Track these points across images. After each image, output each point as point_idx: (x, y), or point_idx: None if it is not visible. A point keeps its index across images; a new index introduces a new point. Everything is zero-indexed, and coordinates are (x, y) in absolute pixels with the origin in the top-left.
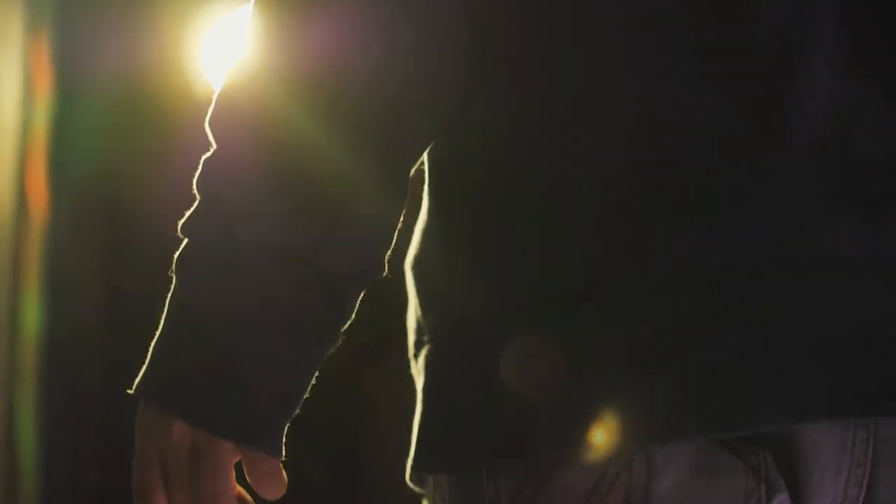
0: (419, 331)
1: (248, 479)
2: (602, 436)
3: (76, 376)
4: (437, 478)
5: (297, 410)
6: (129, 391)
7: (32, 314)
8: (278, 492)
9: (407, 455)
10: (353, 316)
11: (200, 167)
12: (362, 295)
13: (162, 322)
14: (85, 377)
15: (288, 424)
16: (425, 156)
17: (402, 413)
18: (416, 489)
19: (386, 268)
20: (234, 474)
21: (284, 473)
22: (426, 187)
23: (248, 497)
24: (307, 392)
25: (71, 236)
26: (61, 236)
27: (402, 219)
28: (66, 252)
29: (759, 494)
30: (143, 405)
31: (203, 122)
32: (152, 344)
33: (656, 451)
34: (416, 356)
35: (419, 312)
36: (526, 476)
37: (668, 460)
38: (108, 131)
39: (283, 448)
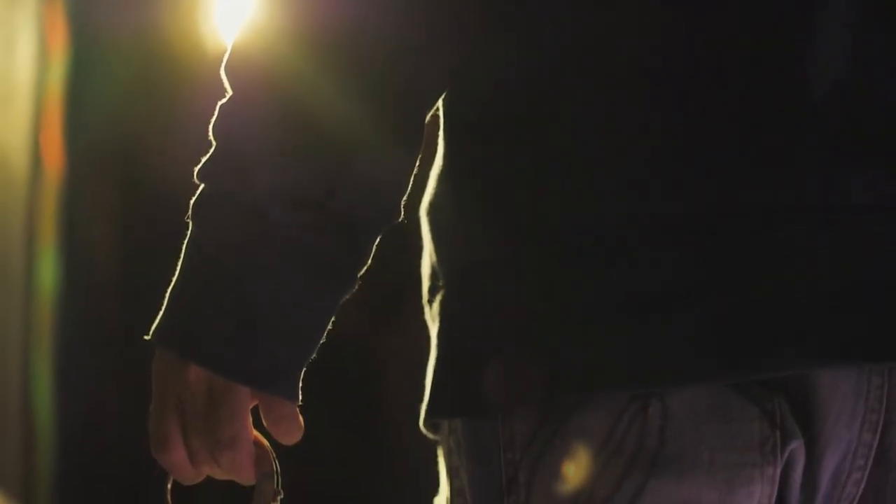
0: (434, 276)
1: (264, 424)
2: (617, 380)
3: (92, 332)
4: (451, 423)
5: (314, 355)
6: (146, 338)
7: (48, 270)
8: (295, 436)
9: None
10: (370, 261)
11: (216, 113)
12: (378, 240)
13: (178, 268)
14: (101, 333)
15: (304, 369)
16: (440, 101)
17: (419, 370)
18: (431, 436)
19: (402, 213)
20: (250, 419)
21: (301, 418)
22: (441, 132)
23: (265, 442)
24: (324, 337)
25: (86, 193)
26: (76, 193)
27: (417, 164)
28: (81, 208)
29: (774, 440)
30: (160, 351)
31: (216, 79)
32: (168, 290)
33: (672, 396)
34: (430, 302)
35: (434, 258)
36: (541, 420)
37: (684, 405)
38: (122, 88)
39: (300, 392)
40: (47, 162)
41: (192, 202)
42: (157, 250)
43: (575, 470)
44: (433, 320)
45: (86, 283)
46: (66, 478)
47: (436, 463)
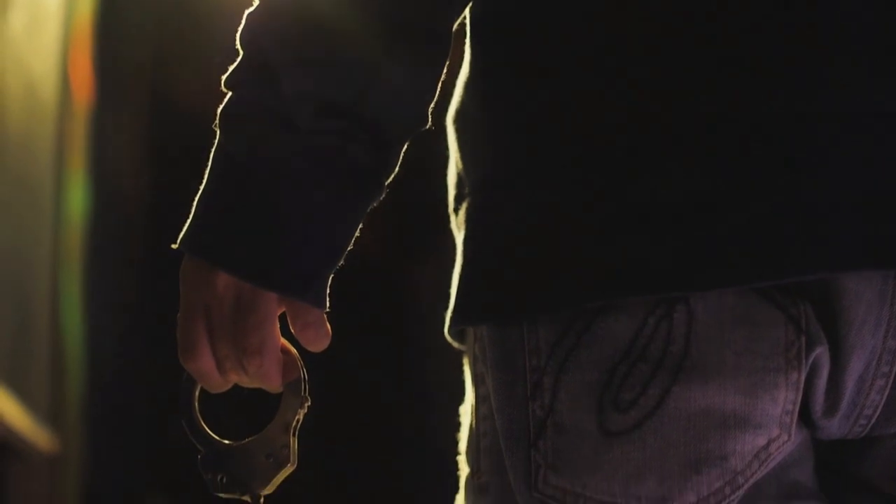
0: (460, 185)
1: (292, 331)
2: (642, 285)
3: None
4: (477, 330)
5: (342, 262)
6: (173, 246)
7: (77, 198)
8: (322, 343)
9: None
10: (397, 169)
11: (244, 21)
12: (405, 148)
13: (206, 176)
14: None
15: (332, 276)
16: (468, 8)
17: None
18: (456, 344)
19: (429, 120)
20: (278, 326)
21: (328, 326)
22: (468, 40)
23: (293, 349)
24: (351, 244)
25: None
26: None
27: (444, 71)
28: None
29: (799, 345)
30: (188, 259)
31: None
32: (196, 198)
33: (697, 301)
34: (456, 210)
35: (460, 166)
36: (566, 326)
37: (709, 310)
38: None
39: (327, 300)
40: (76, 87)
41: (219, 110)
42: (186, 174)
43: (599, 375)
44: (459, 228)
45: (114, 208)
46: (94, 401)
47: (460, 377)
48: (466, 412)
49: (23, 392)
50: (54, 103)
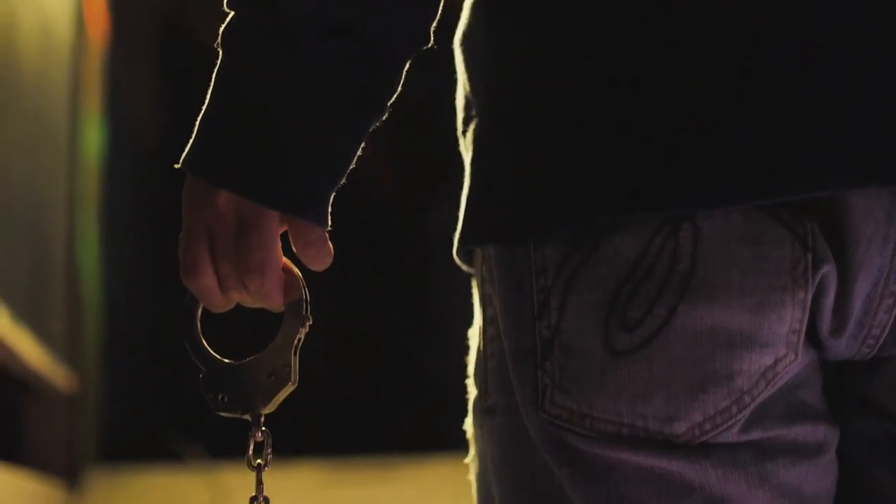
0: (467, 107)
1: (293, 250)
2: (648, 202)
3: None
4: (484, 251)
5: (343, 181)
6: (176, 166)
7: (93, 136)
8: (324, 262)
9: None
10: (399, 88)
11: None
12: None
13: (208, 96)
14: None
15: (333, 195)
16: None
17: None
18: (465, 267)
19: (431, 39)
20: (279, 245)
21: (330, 245)
22: None
23: (295, 268)
24: (353, 163)
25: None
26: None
27: None
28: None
29: (806, 264)
30: (189, 179)
31: None
32: (198, 119)
33: (703, 220)
34: (464, 132)
35: (467, 88)
36: (573, 245)
37: (715, 229)
38: None
39: (329, 218)
40: (90, 25)
41: (221, 30)
42: (201, 111)
43: (605, 294)
44: (467, 150)
45: (130, 146)
46: (111, 339)
47: (470, 302)
48: (475, 335)
49: (40, 331)
50: (69, 42)
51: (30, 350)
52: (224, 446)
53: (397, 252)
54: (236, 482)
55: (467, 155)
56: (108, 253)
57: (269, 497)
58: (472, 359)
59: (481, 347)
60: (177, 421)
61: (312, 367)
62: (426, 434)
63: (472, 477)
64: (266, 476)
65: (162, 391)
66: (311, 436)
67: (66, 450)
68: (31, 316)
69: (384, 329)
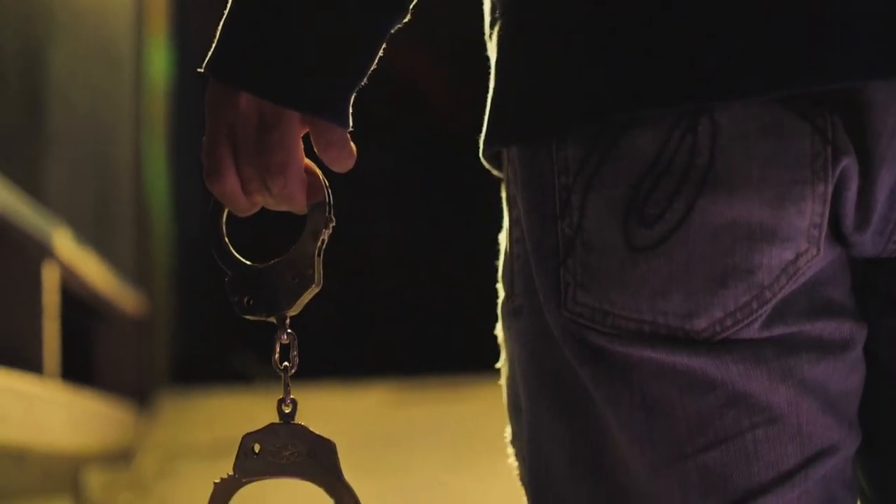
0: (493, 10)
1: (315, 151)
2: (667, 96)
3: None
4: (509, 152)
5: (364, 81)
6: (199, 70)
7: (159, 61)
8: (346, 163)
9: None
10: None
11: None
12: None
13: (230, 1)
14: None
15: (354, 95)
16: None
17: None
18: (494, 171)
19: None
20: (301, 147)
21: (352, 145)
22: None
23: (317, 169)
24: (374, 63)
25: None
26: None
27: None
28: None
29: (826, 156)
30: (212, 83)
31: None
32: (220, 23)
33: (721, 113)
34: (490, 36)
35: None
36: (594, 142)
37: (733, 122)
38: None
39: (350, 119)
40: None
41: None
42: None
43: (625, 190)
44: (492, 52)
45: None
46: (180, 262)
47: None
48: (503, 238)
49: (108, 255)
50: None
51: (97, 274)
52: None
53: (466, 174)
54: (305, 403)
55: (493, 56)
56: (177, 174)
57: (342, 418)
58: (500, 262)
59: (508, 249)
60: (247, 342)
61: (381, 290)
62: (493, 353)
63: (502, 381)
64: (336, 398)
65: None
66: (380, 358)
67: (137, 372)
68: (97, 240)
69: (452, 250)
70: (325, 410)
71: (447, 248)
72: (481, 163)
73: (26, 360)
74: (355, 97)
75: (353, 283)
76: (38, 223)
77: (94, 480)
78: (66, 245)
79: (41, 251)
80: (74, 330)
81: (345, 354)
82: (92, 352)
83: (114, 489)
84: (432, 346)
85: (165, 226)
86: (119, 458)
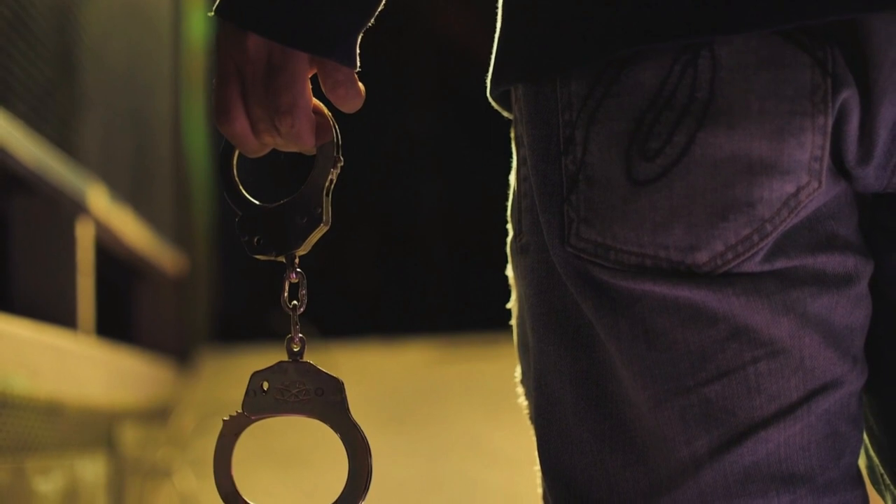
0: None
1: (323, 91)
2: (667, 31)
3: None
4: (515, 91)
5: (370, 22)
6: (209, 14)
7: (197, 19)
8: (354, 103)
9: None
10: None
11: None
12: None
13: None
14: None
15: (361, 35)
16: None
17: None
18: (503, 112)
19: None
20: (310, 87)
21: (360, 85)
22: None
23: (325, 109)
24: (380, 4)
25: None
26: None
27: None
28: None
29: (825, 88)
30: (221, 25)
31: None
32: None
33: (721, 47)
34: None
35: None
36: (596, 78)
37: (733, 56)
38: None
39: (357, 59)
40: None
41: None
42: None
43: (627, 125)
44: None
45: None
46: (220, 220)
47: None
48: (512, 178)
49: (147, 214)
50: None
51: (136, 233)
52: (333, 326)
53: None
54: (346, 362)
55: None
56: (216, 133)
57: (386, 375)
58: (509, 201)
59: (515, 188)
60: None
61: (425, 253)
62: None
63: (513, 321)
64: (377, 355)
65: (272, 271)
66: (420, 316)
67: (177, 330)
68: (136, 199)
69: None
70: (369, 368)
71: (489, 210)
72: None
73: (60, 315)
74: (406, 61)
75: (399, 246)
76: (72, 179)
77: (131, 436)
78: (101, 201)
79: (75, 207)
80: (115, 289)
81: (388, 314)
82: (132, 311)
83: (150, 445)
84: (472, 306)
85: (204, 185)
86: (157, 415)
